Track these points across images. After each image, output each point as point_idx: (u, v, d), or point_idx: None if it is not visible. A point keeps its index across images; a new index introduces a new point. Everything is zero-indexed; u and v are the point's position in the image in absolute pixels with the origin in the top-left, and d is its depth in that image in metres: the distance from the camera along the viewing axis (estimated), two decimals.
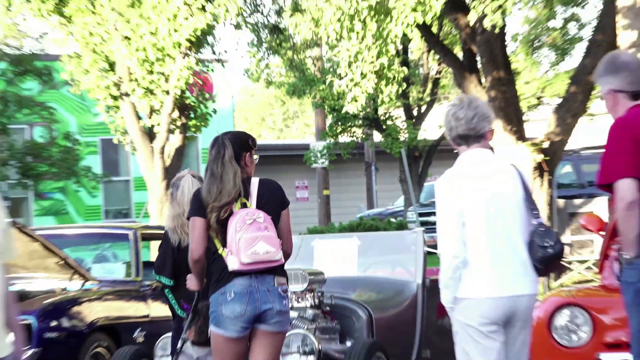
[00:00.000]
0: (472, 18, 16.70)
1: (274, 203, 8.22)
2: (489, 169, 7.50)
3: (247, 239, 7.87)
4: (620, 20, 16.99)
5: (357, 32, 15.44)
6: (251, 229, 7.89)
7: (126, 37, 18.06)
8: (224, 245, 7.96)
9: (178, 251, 9.61)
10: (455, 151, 7.61)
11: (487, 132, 7.51)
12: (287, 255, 8.27)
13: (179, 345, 9.04)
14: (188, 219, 8.29)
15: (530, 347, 8.49)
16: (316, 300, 10.72)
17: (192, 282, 8.47)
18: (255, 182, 8.23)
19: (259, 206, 8.10)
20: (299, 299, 10.64)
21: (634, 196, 6.89)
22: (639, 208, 6.90)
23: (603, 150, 7.30)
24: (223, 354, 8.09)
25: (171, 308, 9.89)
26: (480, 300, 7.34)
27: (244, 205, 8.06)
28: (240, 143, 8.29)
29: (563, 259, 19.75)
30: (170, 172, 18.67)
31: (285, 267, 10.00)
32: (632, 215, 6.90)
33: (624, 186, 6.90)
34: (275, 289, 8.05)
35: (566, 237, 23.27)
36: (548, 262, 7.44)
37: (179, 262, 9.59)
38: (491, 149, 7.73)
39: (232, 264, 7.89)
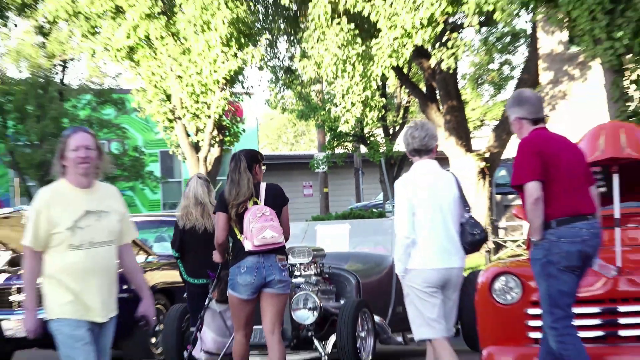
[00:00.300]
0: (432, 62, 16.67)
1: (277, 201, 8.33)
2: (434, 178, 7.65)
3: (258, 228, 8.00)
4: (541, 64, 16.96)
5: (348, 73, 15.40)
6: (261, 220, 8.03)
7: (179, 76, 18.03)
8: (241, 232, 8.08)
9: (184, 232, 9.96)
10: (410, 160, 7.76)
11: (434, 147, 7.68)
12: (286, 239, 8.35)
13: (206, 302, 9.23)
14: (214, 213, 8.45)
15: (474, 305, 8.50)
16: (318, 270, 10.73)
17: (216, 257, 8.71)
18: (263, 185, 8.36)
19: (266, 203, 8.23)
20: (305, 269, 10.64)
21: (539, 194, 6.99)
22: (542, 203, 7.02)
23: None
24: (237, 310, 8.21)
25: (180, 274, 10.08)
26: (425, 270, 7.53)
27: (255, 203, 8.18)
28: (252, 157, 8.42)
29: (500, 239, 19.77)
30: (211, 176, 18.78)
31: (295, 245, 10.27)
32: (538, 208, 7.01)
33: (531, 187, 7.00)
34: (276, 264, 8.15)
35: (502, 223, 23.31)
36: (475, 245, 7.68)
37: (185, 241, 9.98)
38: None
39: (247, 246, 8.01)
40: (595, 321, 7.88)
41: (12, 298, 11.47)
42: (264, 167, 8.62)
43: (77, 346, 5.65)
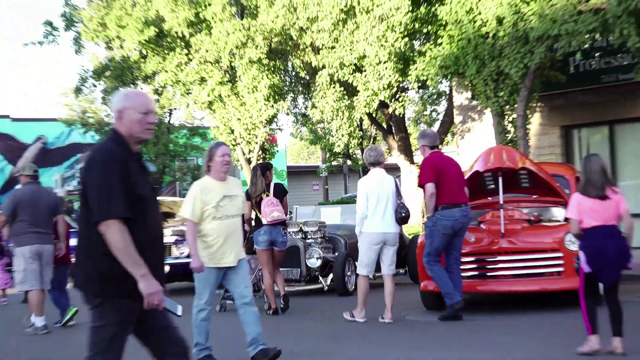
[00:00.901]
0: (390, 110, 16.64)
1: (280, 194, 8.49)
2: (381, 180, 7.66)
3: (270, 211, 8.22)
4: (455, 111, 16.80)
5: (340, 117, 15.36)
6: (270, 206, 8.24)
7: (238, 119, 18.01)
8: (260, 212, 8.24)
9: None
10: (368, 169, 7.81)
11: (383, 161, 7.73)
12: (285, 214, 8.44)
13: None
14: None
15: (416, 255, 8.47)
16: (322, 234, 10.71)
17: (246, 227, 8.68)
18: (272, 185, 8.48)
19: (274, 195, 8.35)
20: (314, 234, 10.62)
21: (433, 191, 7.34)
22: (435, 196, 7.34)
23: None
24: (261, 256, 8.37)
25: None
26: (371, 233, 7.57)
27: (267, 195, 8.29)
28: (264, 167, 8.65)
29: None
30: None
31: (308, 220, 10.16)
32: (432, 199, 7.36)
33: (429, 186, 7.40)
34: (280, 231, 8.37)
35: None
36: (402, 220, 7.67)
37: None
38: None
39: (264, 221, 8.22)
40: (487, 265, 7.90)
41: None
42: (273, 171, 8.76)
43: (206, 286, 5.61)
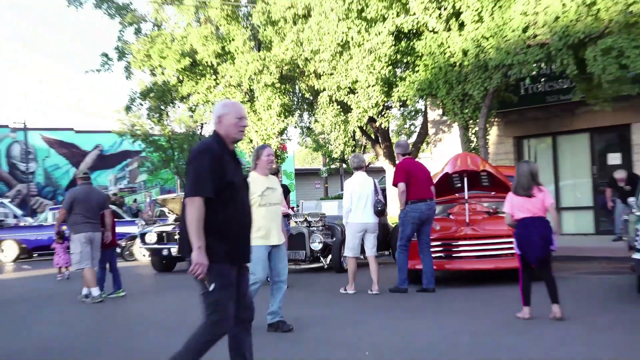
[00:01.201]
0: (377, 124, 16.62)
1: (284, 193, 8.41)
2: (363, 180, 7.63)
3: None
4: (430, 125, 16.85)
5: (337, 129, 15.37)
6: None
7: (256, 131, 17.99)
8: None
9: None
10: (354, 171, 7.75)
11: (364, 166, 7.70)
12: (288, 210, 8.42)
13: None
14: None
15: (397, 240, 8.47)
16: (323, 223, 10.70)
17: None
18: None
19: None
20: (316, 223, 10.62)
21: (404, 189, 7.25)
22: (405, 193, 7.25)
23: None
24: None
25: None
26: (355, 223, 7.52)
27: None
28: (274, 170, 8.42)
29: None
30: None
31: (311, 211, 10.04)
32: (403, 195, 7.26)
33: (400, 185, 7.31)
34: (285, 222, 8.19)
35: None
36: (380, 212, 7.61)
37: None
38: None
39: None
40: (454, 248, 7.90)
41: (175, 237, 11.46)
42: (280, 173, 8.67)
43: (259, 262, 5.41)
